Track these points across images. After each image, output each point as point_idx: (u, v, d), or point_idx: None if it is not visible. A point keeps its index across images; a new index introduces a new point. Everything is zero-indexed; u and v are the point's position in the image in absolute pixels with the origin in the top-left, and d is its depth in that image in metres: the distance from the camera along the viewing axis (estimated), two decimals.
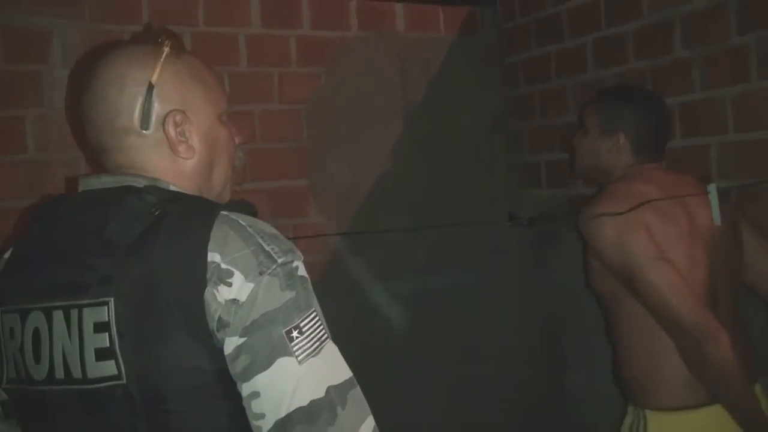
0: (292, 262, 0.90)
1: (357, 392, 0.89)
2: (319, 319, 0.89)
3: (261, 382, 0.84)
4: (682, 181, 1.67)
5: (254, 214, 0.96)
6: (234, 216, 0.91)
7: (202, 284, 0.85)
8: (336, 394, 0.86)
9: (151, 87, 0.95)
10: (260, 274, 0.86)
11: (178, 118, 0.97)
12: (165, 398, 0.86)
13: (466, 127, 2.52)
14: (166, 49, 0.98)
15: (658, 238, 1.51)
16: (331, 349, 0.89)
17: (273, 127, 2.21)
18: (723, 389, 1.45)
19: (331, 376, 0.87)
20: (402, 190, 2.40)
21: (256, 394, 0.85)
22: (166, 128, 0.97)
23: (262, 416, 0.85)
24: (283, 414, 0.84)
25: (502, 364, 2.50)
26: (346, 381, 0.88)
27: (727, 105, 1.87)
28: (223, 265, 0.86)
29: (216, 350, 0.86)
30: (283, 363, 0.84)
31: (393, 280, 2.36)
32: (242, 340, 0.85)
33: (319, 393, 0.85)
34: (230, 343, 0.85)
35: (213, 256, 0.86)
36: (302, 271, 0.91)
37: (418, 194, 2.42)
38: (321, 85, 2.30)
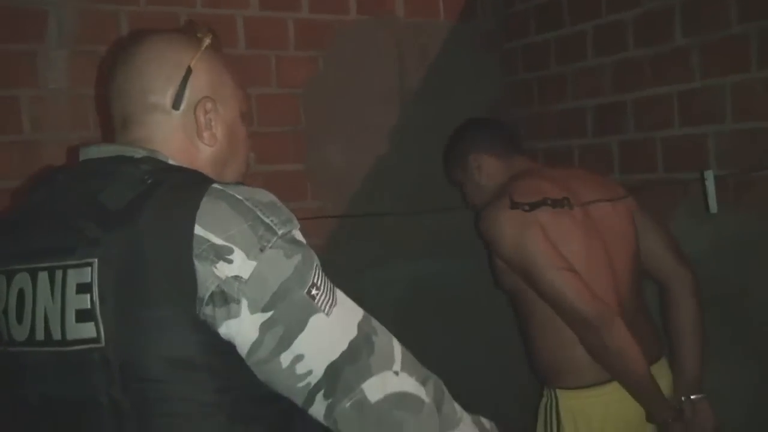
0: (290, 231, 0.91)
1: (375, 320, 0.95)
2: (321, 270, 0.93)
3: (301, 344, 0.87)
4: (572, 174, 1.84)
5: None
6: (230, 190, 0.90)
7: (189, 254, 0.84)
8: (366, 325, 0.92)
9: (189, 71, 1.00)
10: (261, 250, 0.86)
11: (208, 105, 1.02)
12: (142, 366, 0.86)
13: (464, 113, 2.49)
14: (207, 40, 1.03)
15: (552, 234, 1.62)
16: (340, 294, 0.94)
17: (270, 110, 2.20)
18: (622, 371, 1.59)
19: (353, 314, 0.93)
20: (399, 176, 2.40)
21: (300, 357, 0.87)
22: (196, 112, 1.01)
23: (309, 373, 0.88)
24: (329, 361, 0.88)
25: (494, 351, 2.51)
26: (365, 315, 0.94)
27: (726, 94, 1.87)
28: (220, 242, 0.85)
29: (200, 322, 0.85)
30: (315, 320, 0.88)
31: (388, 265, 2.36)
32: (267, 315, 0.86)
33: (353, 332, 0.90)
34: (252, 323, 0.85)
35: (201, 230, 0.86)
36: (300, 236, 0.93)
37: (415, 180, 2.41)
38: (319, 69, 2.28)
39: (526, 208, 1.64)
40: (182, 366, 0.86)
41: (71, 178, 0.98)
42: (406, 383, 0.92)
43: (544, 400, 1.77)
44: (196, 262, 0.84)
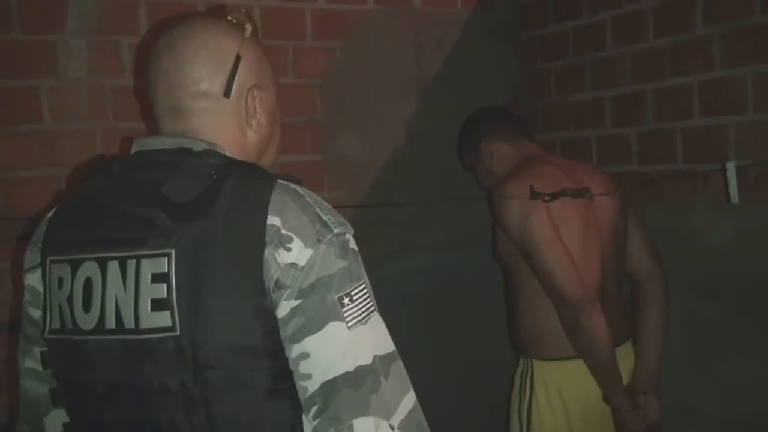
0: (345, 234, 0.93)
1: (400, 365, 0.92)
2: (367, 291, 0.92)
3: (312, 343, 0.87)
4: (576, 164, 1.96)
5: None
6: (292, 186, 0.94)
7: (261, 244, 0.87)
8: (381, 364, 0.89)
9: (238, 58, 1.00)
10: (318, 242, 0.89)
11: (256, 92, 1.03)
12: (212, 354, 0.87)
13: (481, 103, 2.48)
14: (250, 27, 1.04)
15: (555, 217, 1.75)
16: (377, 321, 0.92)
17: (287, 101, 2.16)
18: (589, 352, 1.73)
19: (377, 345, 0.90)
20: (416, 166, 2.40)
21: (305, 355, 0.87)
22: (247, 100, 1.02)
23: (309, 377, 0.87)
24: (330, 376, 0.86)
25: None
26: (390, 353, 0.91)
27: (748, 84, 1.85)
28: (284, 231, 0.88)
29: (266, 311, 0.88)
30: (333, 327, 0.87)
31: (405, 256, 2.36)
32: (298, 302, 0.87)
33: (366, 360, 0.88)
34: (286, 306, 0.88)
35: (273, 219, 0.89)
36: (353, 245, 0.94)
37: (432, 170, 2.41)
38: (336, 59, 2.28)
39: (547, 198, 1.72)
40: (248, 353, 0.88)
41: (129, 168, 0.98)
42: None
43: (519, 368, 1.93)
44: (266, 250, 0.87)
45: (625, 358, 1.86)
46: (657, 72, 2.09)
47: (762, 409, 1.84)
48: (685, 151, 2.03)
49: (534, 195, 1.72)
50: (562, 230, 1.75)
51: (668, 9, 2.05)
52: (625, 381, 1.83)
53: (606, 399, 1.80)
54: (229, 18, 1.05)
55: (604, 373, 1.76)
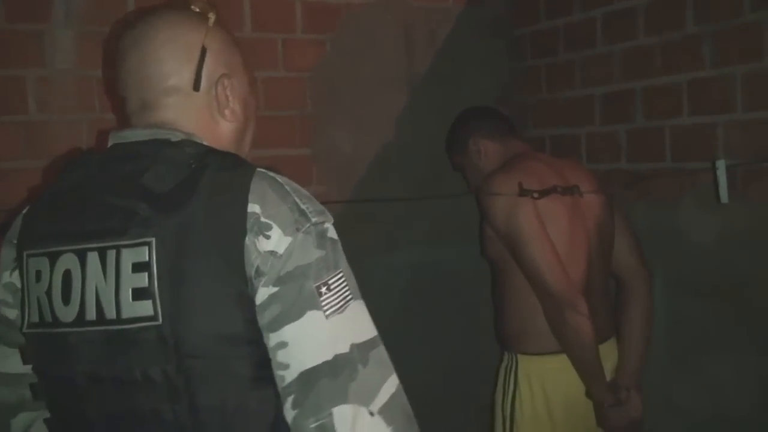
0: (323, 223, 0.93)
1: (380, 351, 0.91)
2: (344, 280, 0.92)
3: (290, 332, 0.87)
4: (563, 161, 1.98)
5: None
6: (271, 174, 0.94)
7: (242, 232, 0.87)
8: (358, 351, 0.88)
9: (204, 50, 0.99)
10: (297, 230, 0.89)
11: (226, 82, 1.02)
12: (195, 343, 0.87)
13: (471, 98, 2.48)
14: (213, 17, 1.02)
15: (542, 213, 1.76)
16: (355, 308, 0.91)
17: (276, 94, 2.19)
18: (573, 347, 1.75)
19: (354, 334, 0.89)
20: (405, 161, 2.39)
21: (283, 344, 0.87)
22: (217, 91, 1.02)
23: (286, 366, 0.87)
24: (308, 366, 0.86)
25: None
26: (368, 340, 0.90)
27: (737, 83, 1.85)
28: (263, 219, 0.88)
29: (248, 299, 0.88)
30: (311, 316, 0.87)
31: (394, 251, 2.36)
32: (275, 289, 0.87)
33: (344, 349, 0.87)
34: (263, 293, 0.88)
35: (253, 207, 0.89)
36: (332, 234, 0.94)
37: (422, 165, 2.41)
38: (326, 52, 2.27)
39: (536, 195, 1.72)
40: (230, 341, 0.88)
41: (107, 160, 0.98)
42: (378, 429, 0.87)
43: (504, 363, 1.94)
44: (247, 237, 0.87)
45: (609, 355, 1.87)
46: (647, 70, 2.09)
47: (746, 407, 1.85)
48: (674, 150, 2.04)
49: (523, 192, 1.73)
50: (548, 226, 1.76)
51: (659, 7, 2.05)
52: (609, 378, 1.84)
53: (588, 394, 1.82)
54: (192, 7, 1.03)
55: (586, 368, 1.77)
